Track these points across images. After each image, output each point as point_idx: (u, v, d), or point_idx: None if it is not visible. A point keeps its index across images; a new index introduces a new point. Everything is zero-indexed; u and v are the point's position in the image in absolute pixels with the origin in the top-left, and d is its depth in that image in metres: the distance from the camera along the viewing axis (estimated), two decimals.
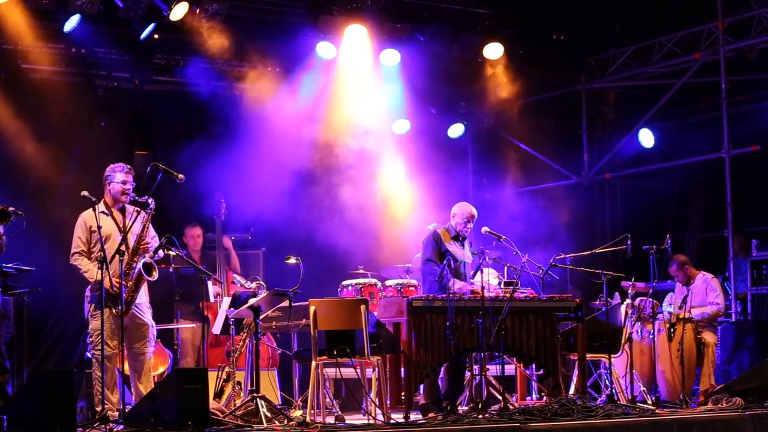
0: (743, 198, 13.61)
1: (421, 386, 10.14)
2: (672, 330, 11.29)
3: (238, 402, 9.35)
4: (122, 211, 9.19)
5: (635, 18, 14.81)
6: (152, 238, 9.21)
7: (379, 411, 9.21)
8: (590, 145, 15.54)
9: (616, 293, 11.77)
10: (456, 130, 15.21)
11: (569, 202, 15.32)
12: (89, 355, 10.18)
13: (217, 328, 10.54)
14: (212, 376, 9.79)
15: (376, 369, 9.47)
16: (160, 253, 9.23)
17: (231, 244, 12.22)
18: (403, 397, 9.71)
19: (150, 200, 9.05)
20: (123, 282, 8.72)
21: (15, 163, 12.19)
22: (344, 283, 11.57)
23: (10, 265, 9.72)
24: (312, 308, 9.22)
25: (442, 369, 10.20)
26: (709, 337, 11.61)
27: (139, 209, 9.21)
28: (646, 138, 15.12)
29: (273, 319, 10.46)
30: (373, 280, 11.61)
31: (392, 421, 8.88)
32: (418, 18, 13.67)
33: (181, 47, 12.86)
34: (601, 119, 16.26)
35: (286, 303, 9.33)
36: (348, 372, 9.75)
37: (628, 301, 11.32)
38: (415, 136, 14.42)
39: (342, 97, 13.69)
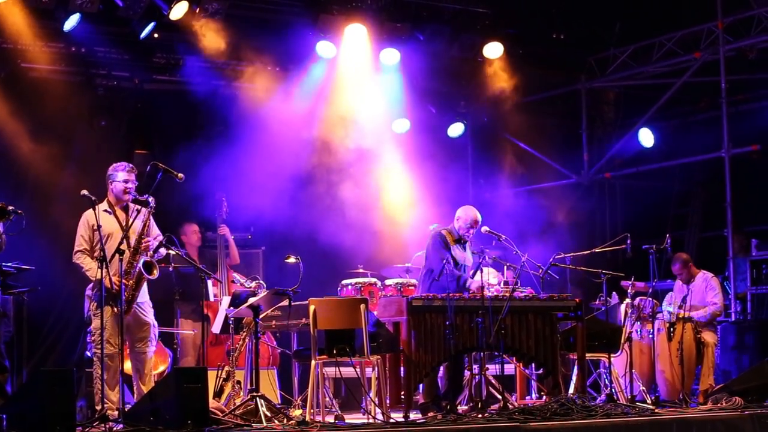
0: (743, 197, 13.61)
1: (421, 385, 10.14)
2: (671, 329, 11.29)
3: (238, 401, 9.36)
4: (125, 209, 9.19)
5: (635, 17, 14.81)
6: (155, 237, 9.21)
7: (378, 410, 9.21)
8: (590, 145, 15.55)
9: (616, 293, 11.77)
10: (456, 130, 15.22)
11: (569, 201, 15.33)
12: (89, 354, 10.19)
13: (216, 327, 10.54)
14: (212, 375, 9.79)
15: (376, 368, 9.47)
16: (162, 251, 9.24)
17: (228, 232, 12.14)
18: (402, 397, 9.71)
19: (150, 198, 9.06)
20: (123, 281, 8.72)
21: (14, 162, 12.19)
22: (344, 282, 11.57)
23: (9, 264, 9.72)
24: (312, 307, 9.21)
25: (441, 368, 10.20)
26: (708, 336, 11.61)
27: (140, 208, 9.22)
28: (646, 137, 15.13)
29: (273, 318, 10.45)
30: (373, 280, 11.62)
31: (392, 421, 8.88)
32: (418, 17, 13.68)
33: (181, 46, 12.85)
34: (601, 118, 16.26)
35: (285, 302, 9.33)
36: (348, 371, 9.75)
37: (627, 300, 11.32)
38: (414, 135, 14.42)
39: (342, 96, 13.69)
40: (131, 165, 9.28)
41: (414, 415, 9.45)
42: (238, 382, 10.14)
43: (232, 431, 8.06)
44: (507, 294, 9.93)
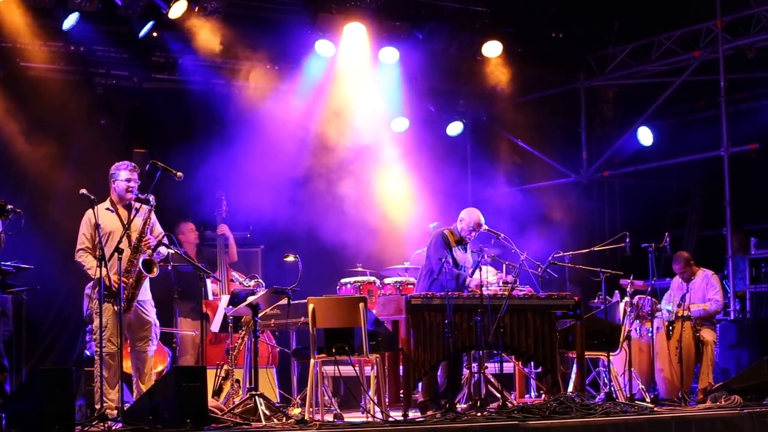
0: (742, 196, 13.61)
1: (420, 384, 10.14)
2: (671, 328, 11.29)
3: (237, 400, 9.35)
4: (127, 208, 9.20)
5: (634, 16, 14.81)
6: (158, 236, 9.21)
7: (377, 409, 9.21)
8: (589, 143, 15.55)
9: (615, 291, 11.78)
10: (455, 128, 15.21)
11: (568, 200, 15.33)
12: (88, 352, 10.20)
13: (215, 326, 10.55)
14: (211, 374, 9.79)
15: (375, 367, 9.47)
16: (163, 250, 9.23)
17: (228, 230, 12.13)
18: (401, 395, 9.71)
19: (151, 197, 9.07)
20: (123, 279, 8.72)
21: (13, 161, 12.18)
22: (343, 280, 11.57)
23: (8, 263, 9.73)
24: (311, 306, 9.21)
25: (440, 367, 10.20)
26: (707, 335, 11.61)
27: (140, 206, 9.22)
28: (645, 136, 15.13)
29: (272, 316, 10.45)
30: (372, 278, 11.61)
31: (391, 419, 8.87)
32: (417, 16, 13.68)
33: (179, 45, 12.85)
34: (600, 117, 16.27)
35: (284, 301, 9.33)
36: (347, 370, 9.74)
37: (626, 299, 11.32)
38: (413, 133, 14.42)
39: (341, 94, 13.69)
40: (134, 164, 9.28)
41: (413, 414, 9.45)
42: (237, 381, 10.14)
43: (231, 430, 8.06)
44: (506, 292, 9.93)
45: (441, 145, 14.79)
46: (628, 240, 10.87)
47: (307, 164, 13.54)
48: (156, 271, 9.01)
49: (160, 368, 10.61)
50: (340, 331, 9.22)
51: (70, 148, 12.56)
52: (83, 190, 8.63)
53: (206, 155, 12.52)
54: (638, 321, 11.47)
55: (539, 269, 10.73)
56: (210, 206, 12.25)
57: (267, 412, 8.63)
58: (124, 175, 9.17)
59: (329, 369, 10.32)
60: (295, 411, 9.43)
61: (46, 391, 7.55)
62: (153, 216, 9.24)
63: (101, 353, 8.59)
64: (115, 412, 8.51)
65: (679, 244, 14.77)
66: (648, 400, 10.52)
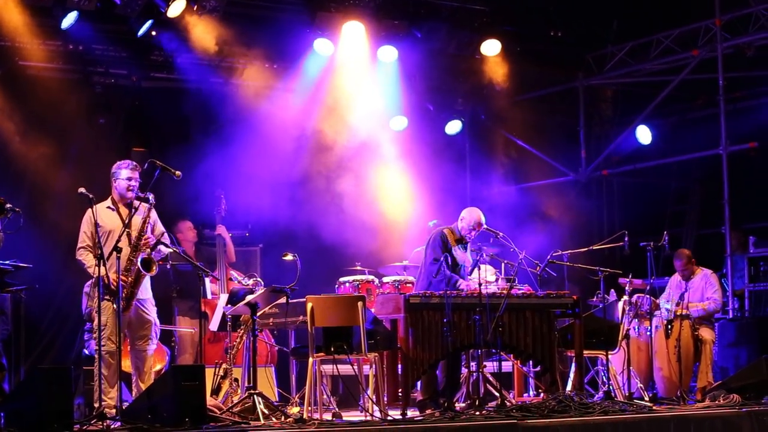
0: (740, 195, 13.62)
1: (418, 383, 10.14)
2: (669, 327, 11.29)
3: (236, 399, 9.34)
4: (129, 206, 9.20)
5: (633, 15, 14.80)
6: (159, 235, 9.21)
7: (376, 407, 9.21)
8: (587, 142, 15.54)
9: (613, 290, 11.78)
10: (453, 127, 15.20)
11: (566, 198, 15.33)
12: (87, 351, 10.20)
13: (214, 325, 10.55)
14: (209, 372, 9.79)
15: (374, 366, 9.46)
16: (163, 249, 9.23)
17: (225, 231, 12.13)
18: (400, 394, 9.72)
19: (150, 195, 9.07)
20: (122, 277, 8.72)
21: (12, 160, 12.18)
22: (341, 279, 11.57)
23: (7, 261, 9.73)
24: (309, 305, 9.21)
25: (439, 365, 10.20)
26: (706, 333, 11.60)
27: (139, 204, 9.22)
28: (644, 135, 15.13)
29: (270, 315, 10.46)
30: (371, 277, 11.62)
31: (389, 418, 8.87)
32: (416, 15, 13.68)
33: (178, 44, 12.84)
34: (599, 116, 16.27)
35: (283, 300, 9.33)
36: (345, 369, 9.75)
37: (625, 297, 11.32)
38: (412, 132, 14.42)
39: (339, 93, 13.69)
40: (134, 163, 9.28)
41: (411, 413, 9.44)
42: (236, 380, 10.14)
43: (230, 429, 8.05)
44: (504, 291, 9.93)
45: (439, 144, 14.79)
46: (626, 239, 10.88)
47: (306, 163, 13.53)
48: (155, 269, 9.01)
49: (158, 367, 10.61)
50: (338, 329, 9.22)
51: (69, 146, 12.55)
52: (82, 189, 8.62)
53: (205, 154, 12.52)
54: (637, 320, 11.48)
55: (538, 268, 10.74)
56: (209, 205, 12.25)
57: (265, 411, 8.63)
58: (125, 173, 9.17)
59: (328, 368, 10.32)
60: (294, 410, 9.42)
61: (45, 389, 7.55)
62: (154, 214, 9.25)
63: (99, 351, 8.58)
64: (114, 410, 8.51)
65: (677, 243, 14.78)
66: (647, 398, 10.52)
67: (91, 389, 9.38)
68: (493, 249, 11.62)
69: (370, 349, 9.23)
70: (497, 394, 10.24)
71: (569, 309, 10.35)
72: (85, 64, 12.87)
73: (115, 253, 8.56)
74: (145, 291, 9.16)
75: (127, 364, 9.31)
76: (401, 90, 14.17)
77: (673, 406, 10.11)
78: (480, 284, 9.72)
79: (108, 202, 9.16)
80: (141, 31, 12.37)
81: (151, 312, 9.23)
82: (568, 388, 10.48)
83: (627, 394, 10.52)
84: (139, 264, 8.88)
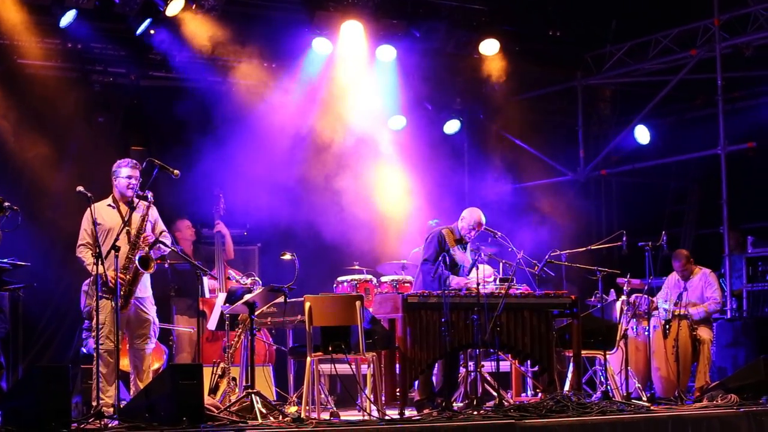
0: (739, 194, 13.62)
1: (416, 382, 10.14)
2: (667, 326, 11.29)
3: (233, 398, 9.35)
4: (129, 204, 9.19)
5: (631, 14, 14.80)
6: (159, 233, 9.21)
7: (374, 407, 9.21)
8: (586, 142, 15.54)
9: (612, 290, 11.78)
10: (452, 127, 15.20)
11: (565, 198, 15.33)
12: (85, 350, 10.19)
13: (212, 324, 10.55)
14: (207, 371, 9.78)
15: (371, 365, 9.46)
16: (163, 247, 9.22)
17: (224, 227, 12.12)
18: (398, 394, 9.71)
19: (148, 193, 9.08)
20: (120, 275, 8.72)
21: (10, 158, 12.16)
22: (339, 279, 11.58)
23: (5, 260, 9.71)
24: (307, 304, 9.21)
25: (437, 365, 10.20)
26: (704, 333, 11.60)
27: (139, 202, 9.22)
28: (642, 134, 15.13)
29: (268, 314, 10.45)
30: (369, 276, 11.63)
31: (387, 417, 8.86)
32: (414, 14, 13.67)
33: (177, 42, 12.83)
34: (597, 116, 16.28)
35: (281, 299, 9.33)
36: (343, 368, 9.76)
37: (623, 297, 11.32)
38: (410, 132, 14.41)
39: (338, 93, 13.68)
40: (135, 161, 9.27)
41: (409, 412, 9.46)
42: (234, 379, 10.14)
43: (228, 428, 8.04)
44: (502, 291, 9.93)
45: (438, 143, 14.78)
46: (625, 238, 10.87)
47: (305, 162, 13.52)
48: (153, 267, 9.00)
49: (156, 366, 10.62)
50: (336, 329, 9.22)
51: (67, 145, 12.54)
52: (80, 188, 8.62)
53: (204, 153, 12.52)
54: (635, 319, 11.47)
55: (536, 268, 10.74)
56: (207, 204, 12.25)
57: (263, 410, 8.63)
58: (125, 172, 9.17)
59: (326, 367, 10.32)
60: (292, 409, 9.43)
61: (43, 388, 7.53)
62: (155, 212, 9.26)
63: (97, 350, 8.58)
64: (112, 409, 8.50)
65: (676, 243, 14.78)
66: (644, 398, 10.52)
67: (89, 388, 9.39)
68: (491, 249, 11.62)
69: (367, 348, 9.24)
70: (495, 393, 10.24)
71: (567, 309, 10.35)
72: (83, 62, 12.86)
73: (113, 251, 8.55)
74: (145, 289, 9.16)
75: (125, 363, 9.31)
76: (400, 89, 14.17)
77: (671, 406, 10.11)
78: (478, 284, 9.72)
79: (109, 200, 9.17)
80: (139, 30, 12.36)
81: (151, 311, 9.22)
82: (566, 388, 10.48)
83: (625, 394, 10.52)
84: (136, 262, 8.89)
